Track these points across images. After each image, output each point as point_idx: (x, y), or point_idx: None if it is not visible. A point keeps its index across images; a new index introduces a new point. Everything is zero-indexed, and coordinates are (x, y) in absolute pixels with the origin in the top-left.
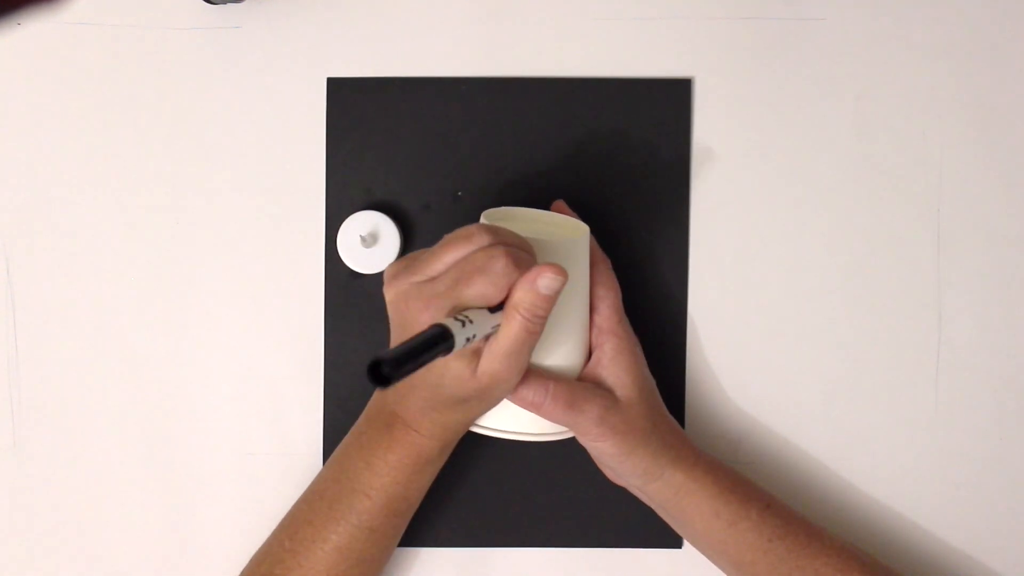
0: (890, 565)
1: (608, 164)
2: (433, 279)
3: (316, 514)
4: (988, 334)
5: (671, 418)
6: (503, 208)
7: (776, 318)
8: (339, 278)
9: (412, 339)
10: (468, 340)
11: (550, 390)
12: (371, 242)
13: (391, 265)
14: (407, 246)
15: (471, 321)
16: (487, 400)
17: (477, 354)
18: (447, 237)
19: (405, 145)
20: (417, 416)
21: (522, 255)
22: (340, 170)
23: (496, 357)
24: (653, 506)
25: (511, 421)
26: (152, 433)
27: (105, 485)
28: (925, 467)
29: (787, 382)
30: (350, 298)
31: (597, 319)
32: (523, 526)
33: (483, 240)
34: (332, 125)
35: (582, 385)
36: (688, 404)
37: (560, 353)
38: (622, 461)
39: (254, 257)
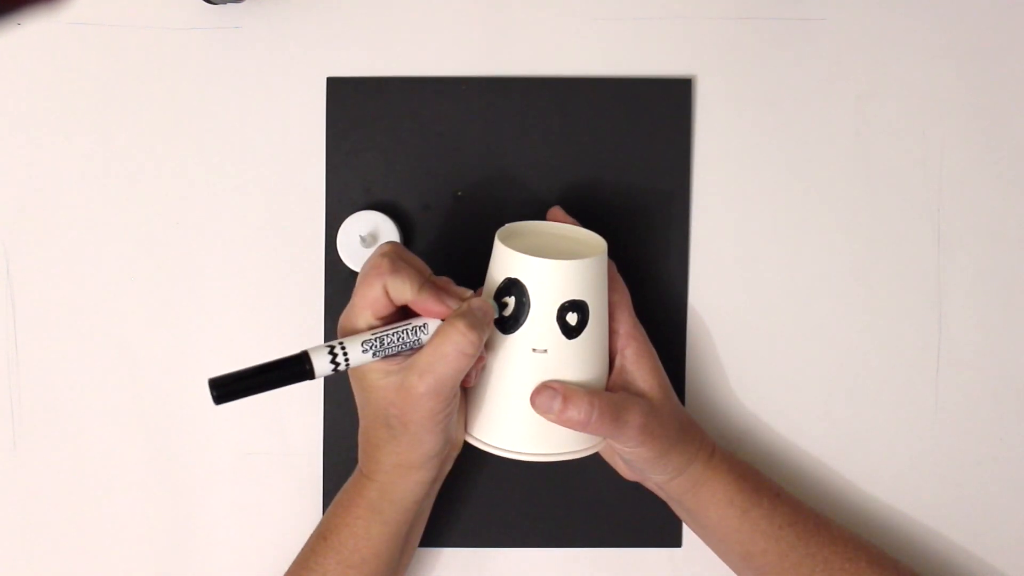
0: (895, 557)
1: (608, 164)
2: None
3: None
4: (988, 334)
5: (686, 411)
6: (519, 223)
7: (776, 318)
8: (339, 278)
9: (264, 363)
10: (335, 368)
11: (596, 406)
12: (371, 242)
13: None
14: (407, 246)
15: (345, 352)
16: (410, 425)
17: (404, 371)
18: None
19: (405, 145)
20: (362, 455)
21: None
22: (340, 170)
23: (417, 371)
24: (669, 500)
25: (541, 443)
26: (152, 433)
27: (105, 485)
28: (925, 467)
29: (787, 382)
30: (350, 298)
31: (614, 325)
32: (523, 526)
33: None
34: (332, 125)
35: (621, 396)
36: (688, 403)
37: (591, 368)
38: (653, 462)
39: (254, 257)
